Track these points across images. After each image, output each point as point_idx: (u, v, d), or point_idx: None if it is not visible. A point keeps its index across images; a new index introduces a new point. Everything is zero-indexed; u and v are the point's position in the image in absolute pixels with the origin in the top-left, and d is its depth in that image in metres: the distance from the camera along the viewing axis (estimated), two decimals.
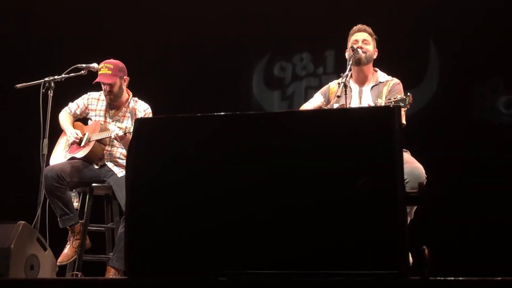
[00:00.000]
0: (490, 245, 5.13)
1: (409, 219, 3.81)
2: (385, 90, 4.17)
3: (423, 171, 3.80)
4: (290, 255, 1.87)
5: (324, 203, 1.85)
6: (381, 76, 4.28)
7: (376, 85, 4.22)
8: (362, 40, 4.25)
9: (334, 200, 1.85)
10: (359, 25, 4.37)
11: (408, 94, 3.78)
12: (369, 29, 4.34)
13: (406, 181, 3.74)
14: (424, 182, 3.78)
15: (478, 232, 5.19)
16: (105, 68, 4.47)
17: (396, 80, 4.23)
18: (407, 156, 3.93)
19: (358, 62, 4.18)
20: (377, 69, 4.33)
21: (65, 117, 4.63)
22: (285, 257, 1.88)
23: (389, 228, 1.79)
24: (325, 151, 1.89)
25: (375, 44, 4.32)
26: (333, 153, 1.89)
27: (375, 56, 4.31)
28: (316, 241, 1.84)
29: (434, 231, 5.01)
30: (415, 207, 3.80)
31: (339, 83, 3.99)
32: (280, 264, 1.87)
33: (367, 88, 4.22)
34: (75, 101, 4.68)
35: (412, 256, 3.37)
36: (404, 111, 3.84)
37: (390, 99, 3.84)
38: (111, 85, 4.48)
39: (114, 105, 4.59)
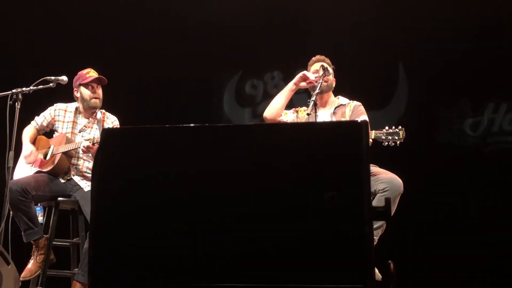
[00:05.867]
0: (456, 260, 5.20)
1: (380, 233, 3.86)
2: (347, 110, 4.34)
3: (401, 183, 3.87)
4: (256, 268, 1.86)
5: (290, 217, 1.85)
6: (343, 100, 4.45)
7: (338, 106, 4.38)
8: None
9: (300, 214, 1.85)
10: (318, 55, 4.50)
11: (400, 127, 3.92)
12: (328, 60, 4.49)
13: (386, 189, 3.83)
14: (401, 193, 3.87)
15: (443, 248, 5.27)
16: (94, 72, 4.54)
17: (356, 102, 4.41)
18: (380, 169, 4.00)
19: (320, 91, 4.27)
20: (339, 96, 4.48)
21: (27, 132, 4.55)
22: (250, 271, 1.87)
23: (355, 243, 1.80)
24: (292, 164, 1.89)
25: (333, 73, 4.42)
26: (300, 166, 1.89)
27: (334, 84, 4.44)
28: (282, 255, 1.84)
29: (402, 247, 5.07)
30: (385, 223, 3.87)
31: (308, 101, 4.04)
32: (245, 277, 1.86)
33: (329, 112, 4.37)
34: (41, 114, 4.63)
35: (380, 271, 3.43)
36: (398, 144, 3.95)
37: (382, 130, 3.93)
38: (102, 86, 4.55)
39: (82, 116, 4.56)
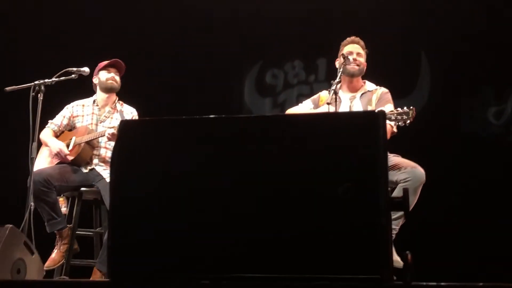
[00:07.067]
0: (480, 251, 5.14)
1: (401, 222, 3.83)
2: (374, 98, 4.26)
3: (424, 173, 3.83)
4: (273, 259, 1.86)
5: (306, 208, 1.85)
6: (369, 85, 4.37)
7: (364, 93, 4.30)
8: (356, 52, 4.31)
9: (316, 205, 1.85)
10: (353, 37, 4.42)
11: (411, 107, 3.81)
12: (362, 42, 4.41)
13: (408, 179, 3.79)
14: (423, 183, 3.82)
15: (466, 238, 5.22)
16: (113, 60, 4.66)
17: (384, 89, 4.31)
18: (402, 159, 3.96)
19: (352, 75, 4.25)
20: (365, 80, 4.40)
21: (47, 133, 4.58)
22: (268, 261, 1.87)
23: (371, 234, 1.79)
24: (309, 155, 1.89)
25: (366, 57, 4.37)
26: (316, 157, 1.88)
27: (365, 69, 4.36)
28: (298, 245, 1.84)
29: (423, 237, 5.04)
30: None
31: (329, 91, 4.01)
32: (263, 268, 1.87)
33: (357, 97, 4.28)
34: (59, 115, 4.67)
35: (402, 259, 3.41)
36: (408, 124, 3.84)
37: (392, 110, 3.86)
38: (120, 71, 4.64)
39: (101, 107, 4.62)
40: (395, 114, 3.81)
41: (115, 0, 6.26)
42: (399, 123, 3.82)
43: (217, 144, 2.01)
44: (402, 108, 3.83)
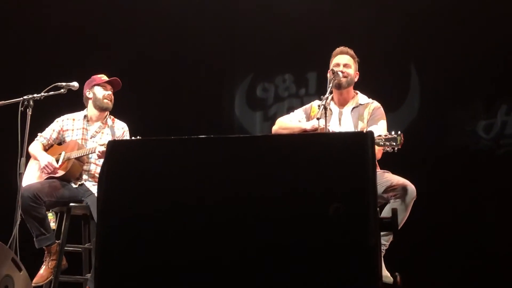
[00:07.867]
0: (470, 266, 5.15)
1: (391, 239, 3.81)
2: (366, 113, 4.19)
3: (414, 189, 3.81)
4: (261, 280, 1.85)
5: (295, 228, 1.84)
6: (362, 98, 4.31)
7: (356, 107, 4.24)
8: (343, 64, 4.26)
9: (306, 225, 1.84)
10: (342, 47, 4.37)
11: (399, 132, 3.72)
12: (352, 52, 4.35)
13: (398, 196, 3.76)
14: (414, 199, 3.80)
15: (456, 252, 5.22)
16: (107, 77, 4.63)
17: (376, 104, 4.25)
18: (392, 175, 3.94)
19: (339, 86, 4.21)
20: (357, 91, 4.36)
21: (36, 146, 4.56)
22: (256, 282, 1.86)
23: (361, 254, 1.78)
24: (298, 175, 1.88)
25: (357, 67, 4.34)
26: (305, 177, 1.88)
27: (356, 79, 4.32)
28: (286, 266, 1.83)
29: (415, 252, 5.03)
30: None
31: (319, 105, 3.99)
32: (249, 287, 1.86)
33: (347, 110, 4.25)
34: (48, 128, 4.65)
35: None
36: (396, 150, 3.72)
37: (380, 135, 3.75)
38: (116, 88, 4.63)
39: (91, 122, 4.59)
40: (383, 140, 3.69)
41: (106, 15, 6.25)
42: (387, 148, 3.70)
43: (205, 165, 2.00)
44: (390, 133, 3.72)
